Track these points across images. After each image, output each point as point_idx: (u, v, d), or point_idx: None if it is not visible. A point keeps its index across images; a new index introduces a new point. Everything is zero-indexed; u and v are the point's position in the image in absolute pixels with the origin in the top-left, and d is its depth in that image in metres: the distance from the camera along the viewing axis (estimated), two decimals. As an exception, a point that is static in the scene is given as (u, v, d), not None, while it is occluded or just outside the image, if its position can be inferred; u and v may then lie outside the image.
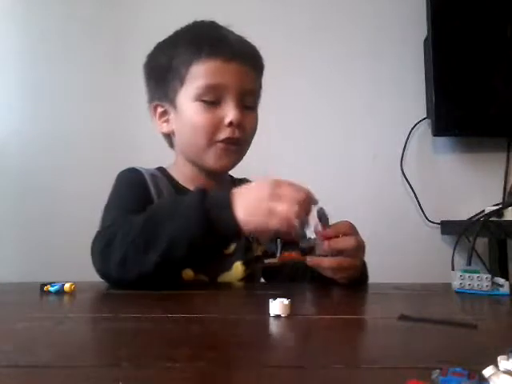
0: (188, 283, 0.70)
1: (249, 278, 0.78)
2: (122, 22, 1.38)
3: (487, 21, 1.34)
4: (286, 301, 0.46)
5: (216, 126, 0.75)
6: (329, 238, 0.63)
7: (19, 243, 1.33)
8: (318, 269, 0.66)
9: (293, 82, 1.36)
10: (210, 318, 0.46)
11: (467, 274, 0.61)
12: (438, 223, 1.34)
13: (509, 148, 1.38)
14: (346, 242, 0.64)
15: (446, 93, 1.31)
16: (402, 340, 0.40)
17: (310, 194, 0.62)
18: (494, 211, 1.08)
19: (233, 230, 0.60)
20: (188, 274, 0.71)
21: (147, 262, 0.61)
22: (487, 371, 0.25)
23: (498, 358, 0.27)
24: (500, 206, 1.11)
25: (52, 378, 0.29)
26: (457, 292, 0.62)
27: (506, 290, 0.60)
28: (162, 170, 0.86)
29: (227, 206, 0.60)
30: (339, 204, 1.33)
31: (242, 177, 0.96)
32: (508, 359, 0.26)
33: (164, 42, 0.83)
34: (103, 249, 0.66)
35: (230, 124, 0.74)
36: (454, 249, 1.06)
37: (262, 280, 0.85)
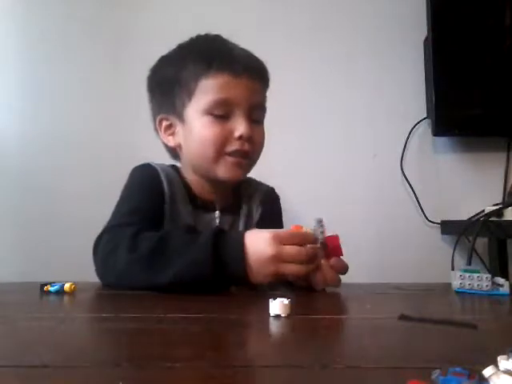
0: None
1: None
2: (122, 22, 1.38)
3: (487, 21, 1.34)
4: (285, 301, 0.46)
5: (226, 139, 0.76)
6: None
7: (19, 243, 1.33)
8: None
9: (293, 82, 1.36)
10: (210, 318, 0.46)
11: (467, 274, 0.61)
12: (438, 223, 1.34)
13: (509, 148, 1.38)
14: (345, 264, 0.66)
15: (445, 93, 1.31)
16: (402, 340, 0.40)
17: (313, 246, 0.62)
18: (493, 211, 1.08)
19: (241, 278, 0.61)
20: None
21: (149, 282, 0.62)
22: (487, 371, 0.25)
23: (498, 358, 0.27)
24: (500, 206, 1.11)
25: (52, 378, 0.29)
26: (457, 292, 0.62)
27: (506, 289, 0.60)
28: (175, 168, 0.86)
29: (239, 258, 0.60)
30: (339, 204, 1.34)
31: (247, 177, 0.96)
32: (508, 359, 0.26)
33: (169, 55, 0.84)
34: (107, 255, 0.67)
35: (240, 137, 0.76)
36: (454, 249, 1.06)
37: None
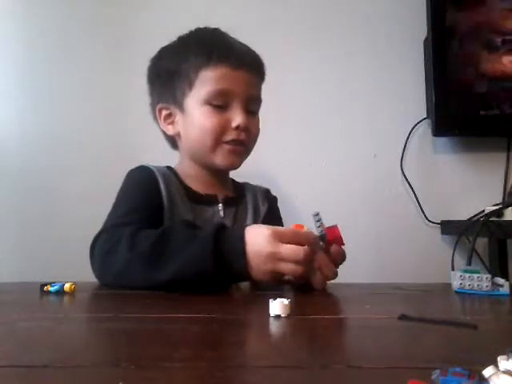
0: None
1: None
2: (122, 22, 1.38)
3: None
4: (285, 301, 0.46)
5: (223, 129, 0.80)
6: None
7: (19, 243, 1.33)
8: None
9: (292, 82, 1.36)
10: (210, 318, 0.46)
11: (467, 274, 0.61)
12: (438, 223, 1.34)
13: (509, 148, 1.38)
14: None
15: (445, 93, 1.31)
16: (402, 340, 0.40)
17: (312, 244, 0.62)
18: (493, 211, 1.08)
19: (242, 275, 0.61)
20: None
21: (149, 280, 0.62)
22: (487, 371, 0.25)
23: (498, 358, 0.27)
24: (500, 206, 1.11)
25: (52, 378, 0.29)
26: (457, 292, 0.62)
27: (506, 290, 0.60)
28: (170, 168, 0.88)
29: (240, 253, 0.60)
30: (339, 204, 1.34)
31: (243, 181, 0.96)
32: (508, 359, 0.26)
33: (170, 46, 0.86)
34: (104, 255, 0.66)
35: (237, 127, 0.79)
36: (454, 249, 1.06)
37: None
